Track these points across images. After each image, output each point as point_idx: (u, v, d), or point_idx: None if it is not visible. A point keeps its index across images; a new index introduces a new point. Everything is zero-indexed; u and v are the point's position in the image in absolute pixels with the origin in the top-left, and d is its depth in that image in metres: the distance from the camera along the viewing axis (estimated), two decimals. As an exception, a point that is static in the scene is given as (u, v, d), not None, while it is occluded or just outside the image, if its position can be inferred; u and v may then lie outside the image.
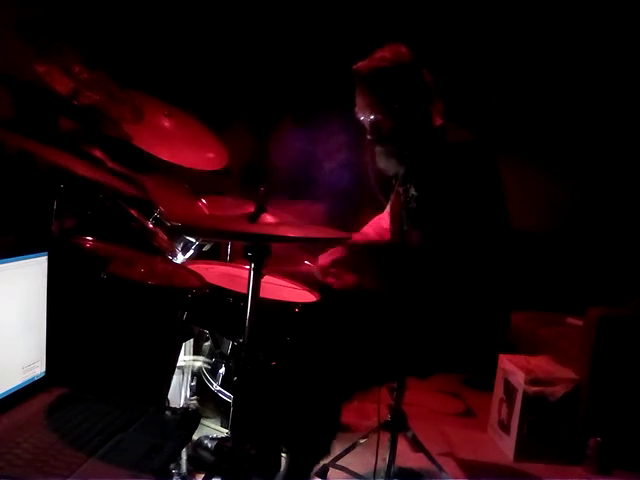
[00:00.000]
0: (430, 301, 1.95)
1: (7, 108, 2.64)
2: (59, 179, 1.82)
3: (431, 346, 1.97)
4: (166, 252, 2.21)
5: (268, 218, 1.93)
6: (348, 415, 2.73)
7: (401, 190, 2.09)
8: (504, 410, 2.97)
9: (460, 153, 1.97)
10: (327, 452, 2.04)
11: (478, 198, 1.94)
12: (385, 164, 2.10)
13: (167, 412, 1.43)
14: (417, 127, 2.02)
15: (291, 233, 1.77)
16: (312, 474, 2.06)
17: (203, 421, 2.45)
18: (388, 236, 2.25)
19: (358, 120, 2.07)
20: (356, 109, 2.05)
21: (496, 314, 2.04)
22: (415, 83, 2.00)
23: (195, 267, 2.05)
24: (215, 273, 2.16)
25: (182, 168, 2.49)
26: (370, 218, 2.38)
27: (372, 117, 2.02)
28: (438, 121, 2.05)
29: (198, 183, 2.61)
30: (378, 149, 2.09)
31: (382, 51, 2.00)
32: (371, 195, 2.41)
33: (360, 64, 2.01)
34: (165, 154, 2.43)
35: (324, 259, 2.19)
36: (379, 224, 2.33)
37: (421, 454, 2.36)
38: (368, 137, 2.07)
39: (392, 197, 2.22)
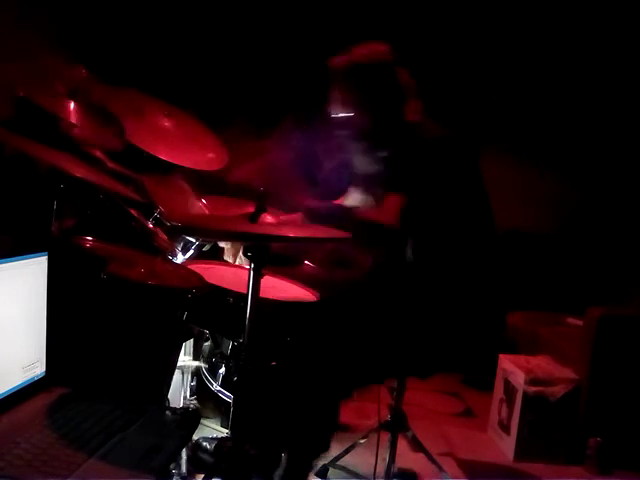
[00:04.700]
0: (426, 301, 1.96)
1: (7, 108, 2.64)
2: (59, 179, 1.82)
3: (430, 346, 1.98)
4: (166, 252, 2.21)
5: (268, 218, 1.93)
6: (348, 415, 2.74)
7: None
8: (504, 410, 2.97)
9: (436, 149, 1.98)
10: (326, 451, 2.04)
11: (458, 194, 1.95)
12: (358, 162, 2.11)
13: (167, 412, 1.43)
14: (390, 125, 2.03)
15: (291, 233, 1.77)
16: (312, 474, 2.06)
17: (203, 421, 2.45)
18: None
19: (330, 116, 2.07)
20: (329, 105, 2.06)
21: (490, 312, 2.05)
22: (389, 81, 2.01)
23: (195, 267, 2.05)
24: (215, 273, 2.16)
25: (182, 168, 2.49)
26: None
27: (346, 113, 2.02)
28: (414, 118, 2.06)
29: (198, 183, 2.61)
30: (352, 146, 2.10)
31: (359, 48, 2.02)
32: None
33: (336, 60, 2.02)
34: (165, 154, 2.43)
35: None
36: None
37: (421, 454, 2.36)
38: (341, 133, 2.07)
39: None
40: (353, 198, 2.30)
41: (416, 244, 1.97)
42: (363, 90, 1.99)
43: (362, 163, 2.10)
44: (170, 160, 2.43)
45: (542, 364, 2.95)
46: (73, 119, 2.04)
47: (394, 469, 2.23)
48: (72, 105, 2.05)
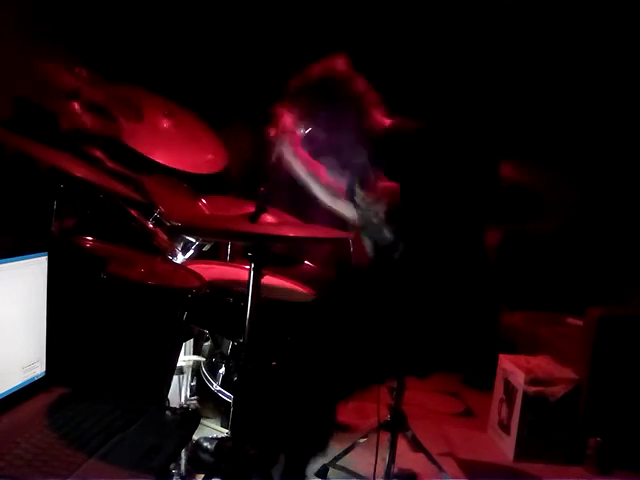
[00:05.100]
0: (419, 301, 1.96)
1: (7, 108, 2.64)
2: (59, 179, 1.82)
3: (426, 345, 1.98)
4: (166, 252, 2.21)
5: (268, 218, 1.93)
6: (348, 415, 2.74)
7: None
8: (504, 410, 2.97)
9: (412, 144, 1.99)
10: (325, 450, 2.05)
11: (445, 189, 1.96)
12: (332, 172, 2.12)
13: (167, 412, 1.43)
14: (354, 135, 2.04)
15: (291, 233, 1.77)
16: (312, 473, 2.06)
17: (203, 421, 2.45)
18: None
19: (291, 134, 2.09)
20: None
21: (484, 311, 2.06)
22: (343, 94, 2.03)
23: (195, 267, 2.05)
24: (215, 273, 2.16)
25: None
26: None
27: (305, 130, 2.04)
28: (384, 121, 2.07)
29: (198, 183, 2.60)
30: (324, 161, 2.11)
31: (314, 66, 2.04)
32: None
33: (292, 81, 2.05)
34: (162, 157, 2.41)
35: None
36: None
37: (421, 454, 2.36)
38: (305, 150, 2.09)
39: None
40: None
41: (407, 242, 1.97)
42: (319, 106, 2.01)
43: (337, 175, 2.12)
44: (168, 164, 2.42)
45: (542, 364, 2.95)
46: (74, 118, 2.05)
47: (394, 469, 2.23)
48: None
